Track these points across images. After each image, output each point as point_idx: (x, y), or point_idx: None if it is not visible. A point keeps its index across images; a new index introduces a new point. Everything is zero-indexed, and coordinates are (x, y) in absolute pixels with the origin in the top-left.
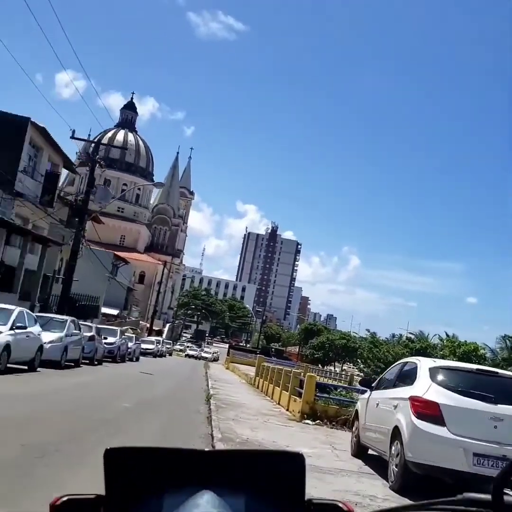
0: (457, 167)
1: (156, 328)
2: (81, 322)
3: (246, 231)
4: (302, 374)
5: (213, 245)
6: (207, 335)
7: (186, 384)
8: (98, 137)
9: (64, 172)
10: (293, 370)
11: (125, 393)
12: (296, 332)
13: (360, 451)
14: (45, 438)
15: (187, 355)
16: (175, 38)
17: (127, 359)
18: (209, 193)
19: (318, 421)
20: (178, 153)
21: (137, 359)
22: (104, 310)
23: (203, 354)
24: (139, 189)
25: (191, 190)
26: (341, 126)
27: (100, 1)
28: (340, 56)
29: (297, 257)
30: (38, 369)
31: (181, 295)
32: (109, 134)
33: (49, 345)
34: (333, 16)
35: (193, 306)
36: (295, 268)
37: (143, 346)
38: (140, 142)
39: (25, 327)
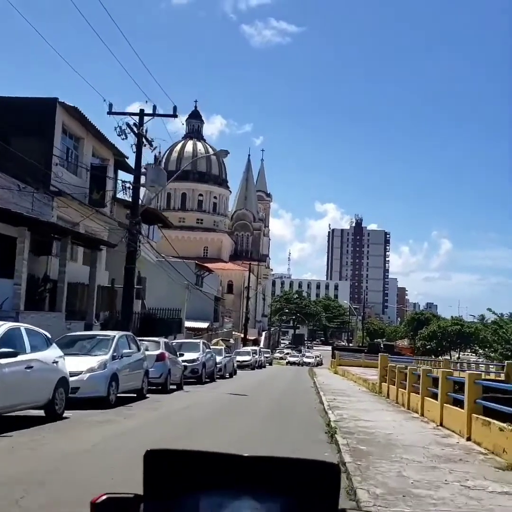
0: None
1: (251, 337)
2: (152, 338)
3: (330, 228)
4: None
5: (297, 249)
6: (305, 339)
7: (290, 405)
8: (167, 151)
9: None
10: (441, 370)
11: (190, 439)
12: (400, 325)
13: None
14: None
15: (288, 363)
16: (232, 52)
17: (218, 376)
18: (286, 199)
19: None
20: (249, 155)
21: (233, 375)
22: (191, 324)
23: (305, 360)
24: (215, 197)
25: (268, 192)
26: (409, 112)
27: (150, 22)
28: (405, 42)
29: (387, 247)
30: (67, 413)
31: (273, 301)
32: (178, 147)
33: (81, 376)
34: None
35: (287, 311)
36: (387, 259)
37: (238, 358)
38: (210, 150)
39: (15, 354)
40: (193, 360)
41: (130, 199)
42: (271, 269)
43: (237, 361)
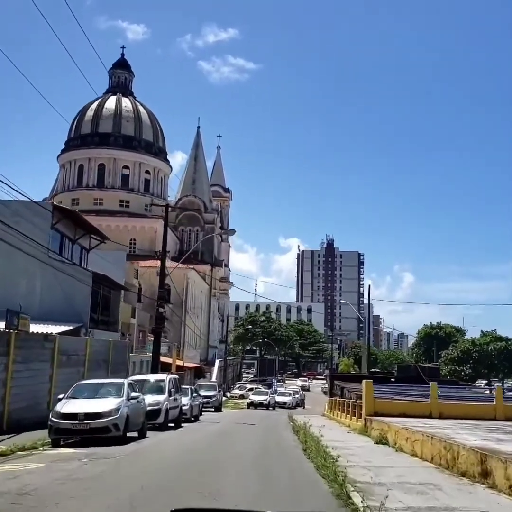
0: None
1: (190, 364)
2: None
3: (299, 249)
4: None
5: (263, 283)
6: (276, 369)
7: None
8: (81, 110)
9: None
10: None
11: None
12: (394, 350)
13: None
14: None
15: (251, 404)
16: (191, 88)
17: None
18: (249, 234)
19: None
20: (198, 127)
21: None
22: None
23: (279, 398)
24: (148, 172)
25: (227, 187)
26: (363, 139)
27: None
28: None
29: (362, 269)
30: None
31: (236, 325)
32: (95, 104)
33: None
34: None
35: (251, 334)
36: (361, 283)
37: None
38: (141, 108)
39: None
40: None
41: None
42: (232, 283)
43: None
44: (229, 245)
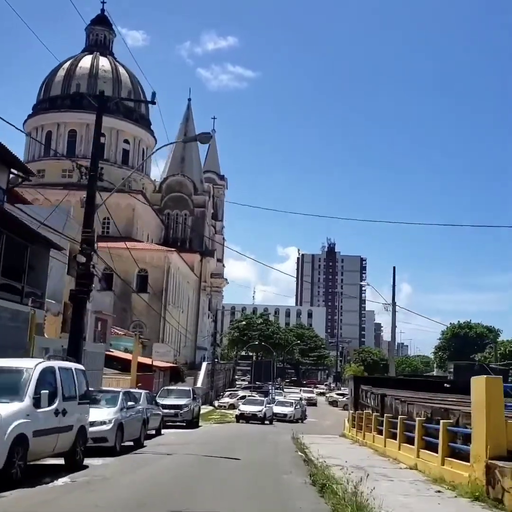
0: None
1: (160, 363)
2: None
3: (299, 253)
4: None
5: (261, 292)
6: (273, 373)
7: None
8: (53, 70)
9: None
10: None
11: None
12: (406, 356)
13: None
14: None
15: (242, 416)
16: (188, 94)
17: None
18: (248, 243)
19: None
20: (189, 99)
21: None
22: None
23: (277, 409)
24: (126, 141)
25: (222, 174)
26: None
27: None
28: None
29: (364, 275)
30: None
31: (231, 328)
32: (67, 64)
33: None
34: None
35: (246, 338)
36: (363, 288)
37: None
38: (121, 69)
39: None
40: None
41: None
42: (226, 280)
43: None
44: (223, 238)
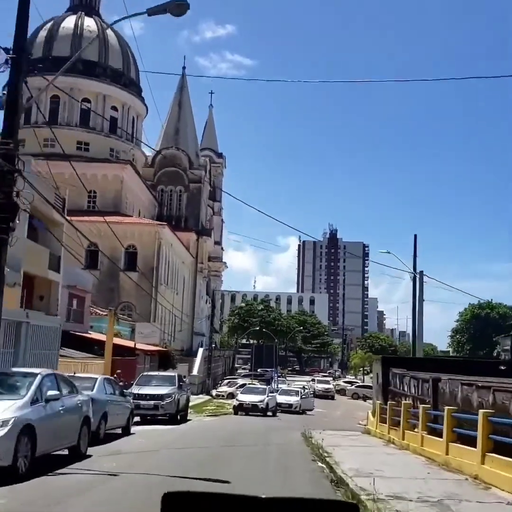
0: None
1: (147, 346)
2: None
3: (300, 240)
4: None
5: (261, 282)
6: (275, 358)
7: None
8: (34, 31)
9: None
10: None
11: None
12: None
13: None
14: None
15: (240, 406)
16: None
17: None
18: (248, 233)
19: None
20: (184, 68)
21: None
22: None
23: (281, 399)
24: (114, 108)
25: (220, 152)
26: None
27: None
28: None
29: (367, 261)
30: None
31: (231, 315)
32: (49, 25)
33: None
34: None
35: (247, 324)
36: (366, 275)
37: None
38: (109, 31)
39: None
40: None
41: None
42: (225, 264)
43: None
44: (222, 220)
